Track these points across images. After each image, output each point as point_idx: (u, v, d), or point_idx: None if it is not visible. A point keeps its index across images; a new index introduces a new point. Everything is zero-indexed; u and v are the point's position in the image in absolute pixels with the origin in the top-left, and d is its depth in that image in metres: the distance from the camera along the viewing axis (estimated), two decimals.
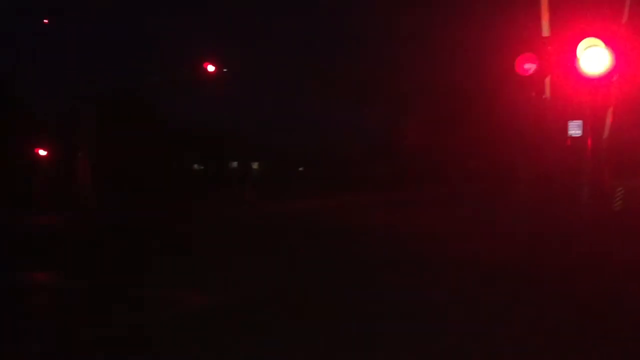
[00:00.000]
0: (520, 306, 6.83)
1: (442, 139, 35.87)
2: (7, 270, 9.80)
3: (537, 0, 15.02)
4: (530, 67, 11.31)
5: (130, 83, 34.67)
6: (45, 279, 9.44)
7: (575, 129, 14.93)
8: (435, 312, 6.66)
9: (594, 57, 10.21)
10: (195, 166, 41.91)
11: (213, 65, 27.10)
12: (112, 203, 25.05)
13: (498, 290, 7.66)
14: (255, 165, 45.48)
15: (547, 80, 15.15)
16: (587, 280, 8.15)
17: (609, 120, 15.56)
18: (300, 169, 46.35)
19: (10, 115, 32.12)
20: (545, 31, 14.03)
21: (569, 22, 12.69)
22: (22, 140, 31.71)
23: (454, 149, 35.38)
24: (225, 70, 27.86)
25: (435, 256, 10.37)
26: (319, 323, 6.28)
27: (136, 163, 33.41)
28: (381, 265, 9.57)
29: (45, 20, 27.95)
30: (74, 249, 12.24)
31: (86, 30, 43.07)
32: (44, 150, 32.39)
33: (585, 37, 10.70)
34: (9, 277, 9.20)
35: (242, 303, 7.31)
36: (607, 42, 9.97)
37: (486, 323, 6.19)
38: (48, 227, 17.57)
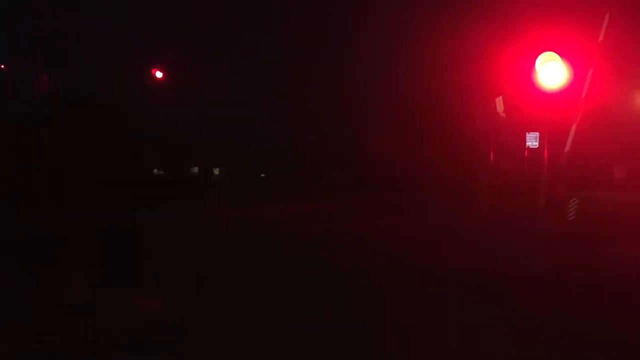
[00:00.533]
0: (486, 314, 7.01)
1: (403, 149, 36.32)
2: None
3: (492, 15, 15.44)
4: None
5: (86, 85, 33.99)
6: None
7: (532, 140, 15.38)
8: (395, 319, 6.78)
9: (551, 72, 10.55)
10: (155, 171, 41.27)
11: (161, 72, 27.00)
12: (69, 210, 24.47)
13: (460, 295, 7.87)
14: (216, 171, 45.12)
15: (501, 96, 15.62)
16: (543, 286, 8.46)
17: (572, 134, 16.03)
18: (262, 175, 46.20)
19: None
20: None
21: (527, 35, 13.02)
22: None
23: (415, 158, 35.85)
24: (181, 74, 27.75)
25: (399, 264, 10.52)
26: (284, 331, 6.32)
27: (93, 167, 32.75)
28: (346, 273, 9.65)
29: None
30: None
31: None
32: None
33: (543, 51, 11.05)
34: None
35: (205, 308, 7.30)
36: (565, 57, 10.30)
37: (446, 328, 6.34)
38: None
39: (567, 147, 15.88)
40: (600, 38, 13.68)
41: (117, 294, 8.17)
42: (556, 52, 11.28)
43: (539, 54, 11.37)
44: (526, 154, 15.81)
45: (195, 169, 43.53)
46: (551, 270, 9.73)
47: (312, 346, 5.84)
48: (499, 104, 13.52)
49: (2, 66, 28.96)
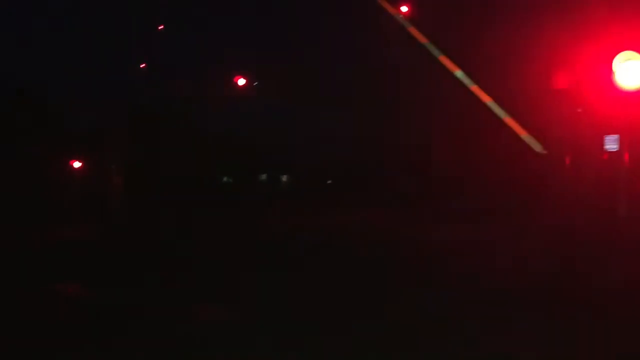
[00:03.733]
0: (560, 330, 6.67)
1: (473, 154, 35.33)
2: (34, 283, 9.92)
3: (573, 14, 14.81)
4: (564, 81, 11.12)
5: (163, 95, 35.08)
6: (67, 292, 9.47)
7: (611, 143, 14.65)
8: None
9: (630, 71, 10.00)
10: (225, 179, 42.16)
11: (244, 78, 27.33)
12: (143, 217, 25.27)
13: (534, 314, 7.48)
14: (283, 178, 45.60)
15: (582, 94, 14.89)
16: (628, 301, 7.95)
17: None
18: (329, 182, 46.26)
19: (42, 127, 32.52)
20: None
21: (605, 35, 12.46)
22: (54, 153, 32.18)
23: (483, 164, 34.83)
24: (255, 84, 28.09)
25: (468, 274, 10.21)
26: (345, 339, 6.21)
27: (168, 175, 33.76)
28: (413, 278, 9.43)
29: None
30: (98, 263, 12.36)
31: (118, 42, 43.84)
32: (78, 163, 32.90)
33: (622, 51, 10.51)
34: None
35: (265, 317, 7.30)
36: None
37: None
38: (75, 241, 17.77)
39: None
40: None
41: (181, 298, 8.32)
42: (636, 51, 10.69)
43: (618, 53, 10.79)
44: (605, 157, 15.08)
45: (264, 176, 44.18)
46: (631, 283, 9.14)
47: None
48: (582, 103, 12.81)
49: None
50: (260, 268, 11.12)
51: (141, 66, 29.23)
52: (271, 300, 8.19)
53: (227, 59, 34.04)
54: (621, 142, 14.48)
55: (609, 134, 14.62)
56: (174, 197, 30.66)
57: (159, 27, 28.75)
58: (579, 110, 15.24)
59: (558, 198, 17.80)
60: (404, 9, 14.40)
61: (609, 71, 10.86)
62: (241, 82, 27.70)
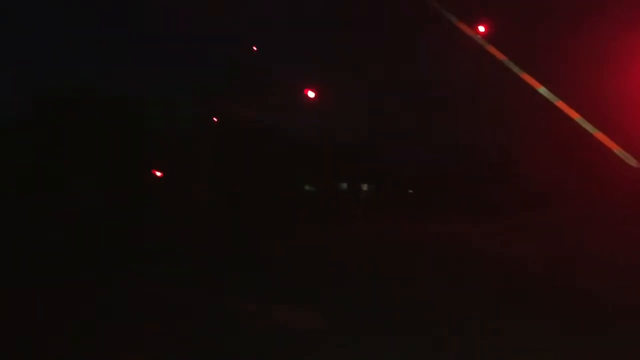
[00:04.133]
0: None
1: (560, 168, 33.71)
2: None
3: None
4: None
5: (245, 104, 35.58)
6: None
7: None
8: None
9: None
10: (306, 187, 42.30)
11: (313, 91, 27.39)
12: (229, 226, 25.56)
13: None
14: (364, 187, 45.23)
15: None
16: None
17: None
18: (410, 191, 45.53)
19: (131, 133, 33.57)
20: None
21: None
22: (143, 159, 33.19)
23: (573, 178, 33.14)
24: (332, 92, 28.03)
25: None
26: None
27: (254, 184, 34.17)
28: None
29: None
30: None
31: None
32: (161, 171, 33.72)
33: None
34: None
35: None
36: None
37: None
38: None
39: None
40: None
41: (273, 304, 8.22)
42: None
43: None
44: None
45: (344, 185, 43.99)
46: None
47: None
48: None
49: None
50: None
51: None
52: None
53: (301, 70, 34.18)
54: None
55: None
56: (259, 206, 31.00)
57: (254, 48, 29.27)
58: None
59: None
60: (482, 28, 14.23)
61: None
62: (311, 94, 27.74)
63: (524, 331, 6.79)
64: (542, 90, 8.53)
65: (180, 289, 9.84)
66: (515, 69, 8.87)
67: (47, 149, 30.57)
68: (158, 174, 34.10)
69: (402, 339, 6.52)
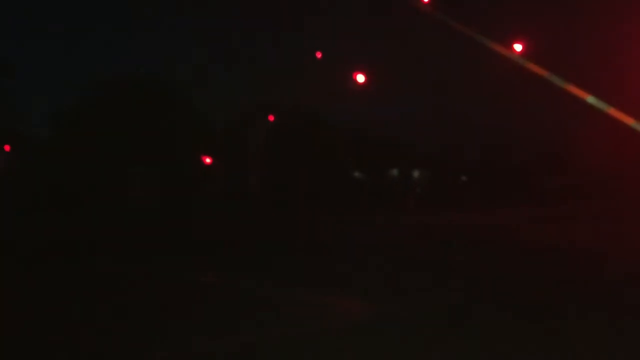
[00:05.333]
0: None
1: (621, 153, 32.57)
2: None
3: None
4: None
5: (296, 95, 35.62)
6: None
7: None
8: None
9: None
10: (357, 174, 42.20)
11: (363, 75, 27.08)
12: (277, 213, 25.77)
13: None
14: (415, 174, 44.78)
15: None
16: None
17: None
18: (463, 178, 44.78)
19: (181, 121, 33.99)
20: None
21: None
22: (191, 147, 33.59)
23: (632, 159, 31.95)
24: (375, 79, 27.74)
25: None
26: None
27: (304, 173, 34.33)
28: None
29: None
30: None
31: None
32: (210, 159, 34.08)
33: None
34: None
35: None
36: None
37: None
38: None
39: None
40: None
41: (312, 293, 8.23)
42: None
43: None
44: None
45: (395, 171, 43.67)
46: None
47: None
48: None
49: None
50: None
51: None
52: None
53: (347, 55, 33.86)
54: None
55: None
56: (307, 194, 31.20)
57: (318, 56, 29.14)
58: None
59: None
60: (518, 47, 14.00)
61: None
62: (360, 78, 27.37)
63: None
64: (591, 99, 8.29)
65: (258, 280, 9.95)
66: (560, 82, 8.66)
67: (111, 134, 31.26)
68: (207, 160, 34.57)
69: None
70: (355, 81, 29.19)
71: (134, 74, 34.61)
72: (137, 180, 30.53)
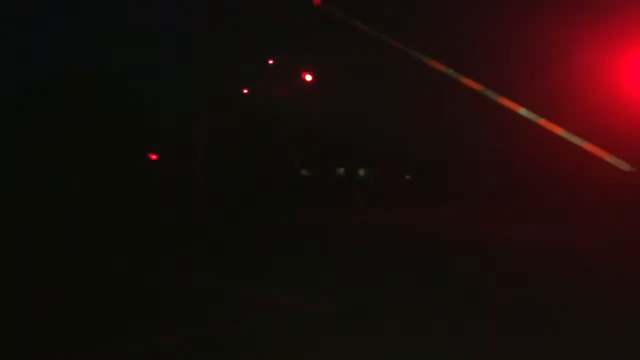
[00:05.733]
0: None
1: (553, 154, 33.90)
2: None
3: None
4: None
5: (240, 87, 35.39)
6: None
7: None
8: None
9: None
10: (303, 172, 42.41)
11: (310, 75, 27.32)
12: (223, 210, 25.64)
13: None
14: (361, 172, 45.37)
15: None
16: None
17: None
18: (407, 177, 45.68)
19: (123, 114, 33.35)
20: None
21: None
22: (136, 142, 33.02)
23: (570, 163, 33.32)
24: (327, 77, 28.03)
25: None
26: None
27: (250, 168, 34.21)
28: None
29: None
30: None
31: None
32: (156, 154, 33.71)
33: None
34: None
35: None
36: None
37: None
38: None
39: None
40: None
41: (268, 289, 8.32)
42: None
43: None
44: None
45: (341, 170, 44.10)
46: None
47: None
48: None
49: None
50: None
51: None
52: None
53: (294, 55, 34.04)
54: None
55: None
56: (255, 189, 31.10)
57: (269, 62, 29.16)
58: None
59: None
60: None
61: None
62: (308, 77, 27.66)
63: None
64: (523, 111, 8.79)
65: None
66: (493, 96, 9.13)
67: (43, 133, 30.42)
68: (153, 157, 34.09)
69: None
70: (304, 80, 29.40)
71: (72, 67, 33.81)
72: (74, 178, 29.79)
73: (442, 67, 9.90)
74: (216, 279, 9.27)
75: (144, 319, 6.88)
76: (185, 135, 32.89)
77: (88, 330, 6.37)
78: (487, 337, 6.28)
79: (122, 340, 6.05)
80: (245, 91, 31.97)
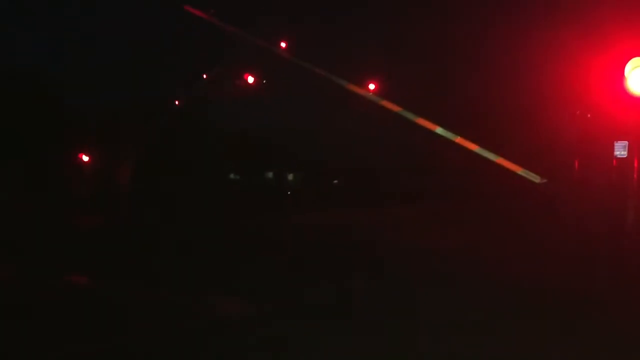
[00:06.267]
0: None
1: (478, 157, 35.19)
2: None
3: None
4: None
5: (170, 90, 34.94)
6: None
7: (620, 149, 14.61)
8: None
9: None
10: (232, 175, 42.25)
11: (252, 76, 27.36)
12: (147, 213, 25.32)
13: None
14: (290, 177, 45.66)
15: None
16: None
17: None
18: (335, 181, 46.31)
19: (50, 117, 32.36)
20: None
21: (617, 40, 12.55)
22: (63, 144, 32.07)
23: (491, 166, 34.69)
24: (264, 81, 28.08)
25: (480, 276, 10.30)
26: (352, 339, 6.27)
27: (177, 172, 33.82)
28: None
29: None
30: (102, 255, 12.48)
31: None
32: (87, 155, 32.84)
33: (633, 57, 10.53)
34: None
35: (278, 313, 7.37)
36: None
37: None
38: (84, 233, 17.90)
39: None
40: None
41: (188, 293, 8.37)
42: None
43: (629, 60, 10.85)
44: (614, 164, 15.05)
45: (270, 174, 44.23)
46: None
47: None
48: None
49: None
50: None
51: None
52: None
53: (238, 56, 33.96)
54: (630, 149, 14.45)
55: (619, 140, 14.59)
56: (182, 192, 30.80)
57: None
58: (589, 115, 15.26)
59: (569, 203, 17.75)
60: (372, 86, 15.74)
61: (621, 77, 10.91)
62: (250, 79, 27.75)
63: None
64: (439, 130, 9.48)
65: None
66: (411, 117, 9.80)
67: None
68: (85, 158, 33.13)
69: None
70: (247, 82, 29.16)
71: None
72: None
73: (362, 92, 10.44)
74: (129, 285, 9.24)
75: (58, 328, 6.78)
76: (115, 139, 32.25)
77: None
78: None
79: (35, 348, 5.96)
80: (177, 102, 31.56)
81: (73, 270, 10.41)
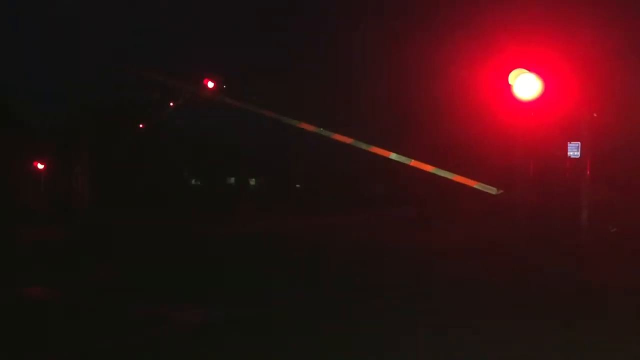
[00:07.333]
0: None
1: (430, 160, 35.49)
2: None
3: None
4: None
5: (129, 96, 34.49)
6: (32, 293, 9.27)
7: (574, 150, 14.93)
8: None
9: (523, 84, 10.21)
10: (193, 181, 41.88)
11: (212, 82, 27.17)
12: (108, 218, 24.90)
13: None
14: (252, 182, 45.51)
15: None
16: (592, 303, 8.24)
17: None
18: (297, 185, 46.34)
19: (5, 128, 31.68)
20: None
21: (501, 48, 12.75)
22: (19, 154, 31.40)
23: (446, 169, 35.03)
24: (224, 86, 27.88)
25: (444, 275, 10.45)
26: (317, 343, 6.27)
27: (135, 177, 33.34)
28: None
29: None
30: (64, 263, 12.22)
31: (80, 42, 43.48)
32: (42, 164, 32.20)
33: (515, 65, 10.81)
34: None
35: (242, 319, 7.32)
36: (536, 70, 10.00)
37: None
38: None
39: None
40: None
41: (147, 303, 8.24)
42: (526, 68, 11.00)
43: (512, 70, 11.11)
44: (567, 165, 15.41)
45: (232, 179, 43.99)
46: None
47: None
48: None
49: None
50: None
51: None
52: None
53: (197, 61, 33.74)
54: (583, 150, 14.79)
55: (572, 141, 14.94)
56: (141, 199, 30.37)
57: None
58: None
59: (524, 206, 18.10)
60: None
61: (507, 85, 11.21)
62: (210, 84, 27.49)
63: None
64: (393, 155, 9.74)
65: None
66: (364, 146, 10.04)
67: None
68: (40, 166, 32.44)
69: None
70: (207, 87, 28.84)
71: None
72: None
73: (312, 128, 10.63)
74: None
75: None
76: (67, 147, 31.64)
77: None
78: None
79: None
80: (141, 125, 31.08)
81: (20, 281, 10.08)
